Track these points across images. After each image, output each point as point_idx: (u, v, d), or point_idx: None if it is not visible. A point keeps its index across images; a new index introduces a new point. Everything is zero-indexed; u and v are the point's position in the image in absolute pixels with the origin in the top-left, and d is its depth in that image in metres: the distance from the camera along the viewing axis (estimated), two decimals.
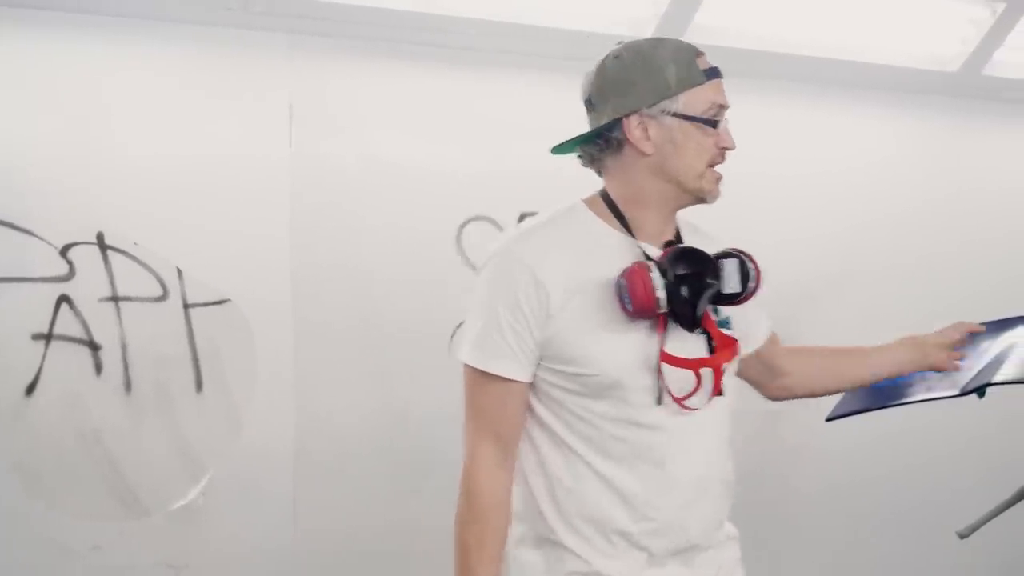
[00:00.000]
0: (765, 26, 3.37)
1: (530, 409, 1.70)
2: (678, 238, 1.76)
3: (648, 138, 1.67)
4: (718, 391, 1.69)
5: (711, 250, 1.70)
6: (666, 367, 1.63)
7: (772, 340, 1.99)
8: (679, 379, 1.65)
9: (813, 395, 2.09)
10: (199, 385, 2.76)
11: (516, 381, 1.65)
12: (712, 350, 1.69)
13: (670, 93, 1.65)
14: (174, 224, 2.76)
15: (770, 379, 2.02)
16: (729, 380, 1.75)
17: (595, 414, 1.65)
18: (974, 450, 3.66)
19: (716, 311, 1.72)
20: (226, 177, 2.81)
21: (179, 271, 2.76)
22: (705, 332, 1.67)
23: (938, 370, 2.10)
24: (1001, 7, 3.59)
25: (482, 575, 1.64)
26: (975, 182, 3.86)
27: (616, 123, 1.69)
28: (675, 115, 1.65)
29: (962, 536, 2.73)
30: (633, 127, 1.67)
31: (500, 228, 3.10)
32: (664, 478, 1.65)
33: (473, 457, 1.66)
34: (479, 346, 1.66)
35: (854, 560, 3.59)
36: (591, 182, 3.14)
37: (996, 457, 3.28)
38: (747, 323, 1.85)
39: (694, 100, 1.66)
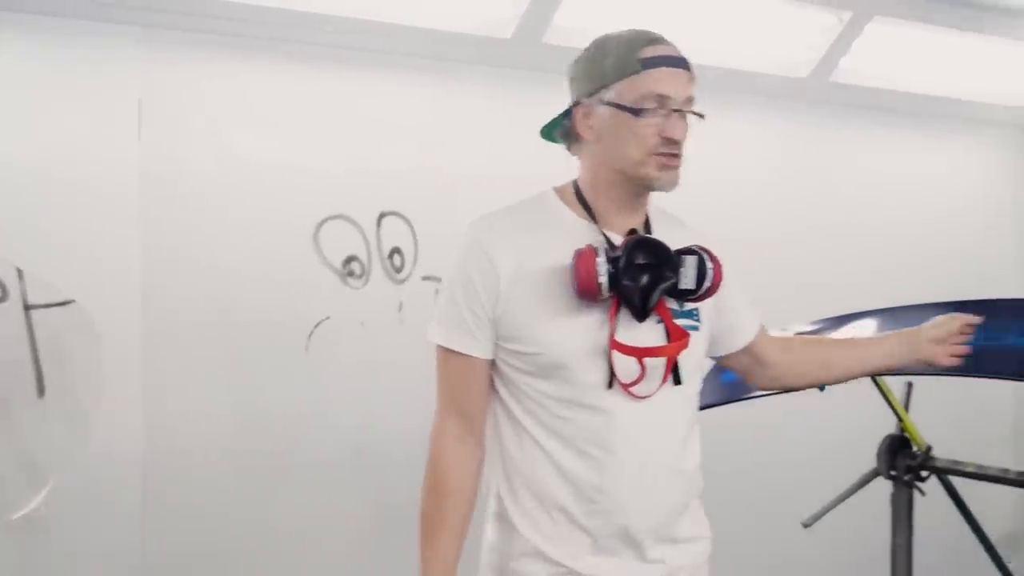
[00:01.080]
0: (623, 28, 3.42)
1: (491, 387, 1.76)
2: (647, 228, 1.78)
3: (590, 127, 1.71)
4: (672, 380, 1.72)
5: (682, 242, 1.73)
6: (615, 356, 1.66)
7: (761, 334, 1.99)
8: (629, 366, 1.68)
9: (804, 386, 2.10)
10: (41, 390, 2.65)
11: (476, 357, 1.72)
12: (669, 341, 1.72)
13: (606, 82, 1.68)
14: (14, 222, 2.64)
15: (759, 371, 2.02)
16: (690, 371, 1.77)
17: (542, 393, 1.69)
18: (816, 442, 3.79)
19: (681, 303, 1.75)
20: (71, 173, 2.71)
21: (19, 271, 2.64)
22: (662, 323, 1.70)
23: (930, 363, 2.00)
24: (847, 15, 3.73)
25: (442, 542, 1.70)
26: (825, 184, 4.00)
27: (569, 113, 1.75)
28: (608, 104, 1.68)
29: (806, 525, 2.83)
30: (579, 117, 1.73)
31: (359, 227, 3.07)
32: (610, 461, 1.68)
33: (438, 431, 1.74)
34: (442, 323, 1.74)
35: None
36: (457, 180, 3.16)
37: (836, 449, 3.39)
38: (733, 319, 1.91)
39: (627, 89, 1.67)
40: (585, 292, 1.64)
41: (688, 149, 1.74)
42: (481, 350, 1.71)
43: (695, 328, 1.77)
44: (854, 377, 2.07)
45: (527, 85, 3.31)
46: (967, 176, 4.42)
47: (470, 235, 1.72)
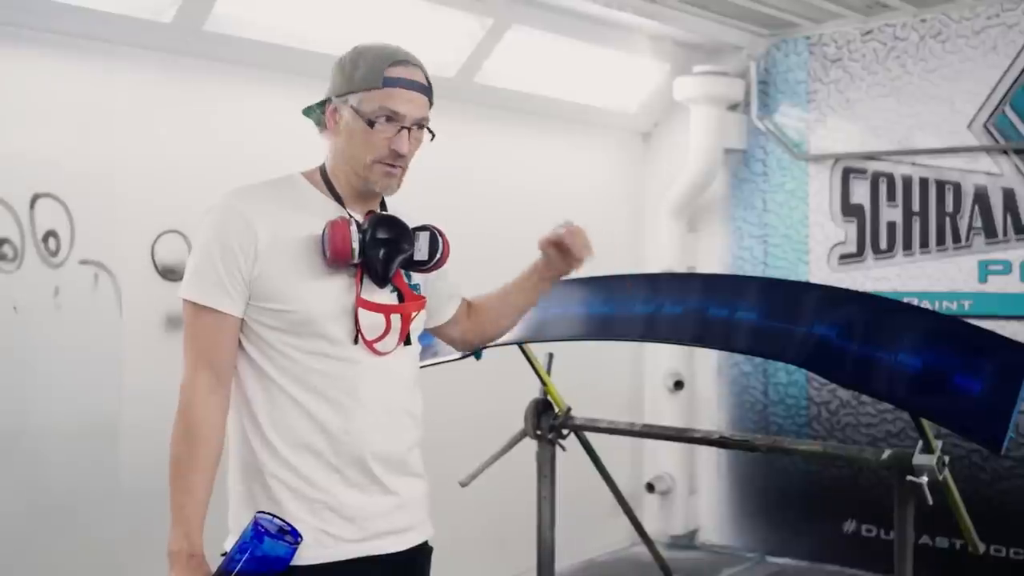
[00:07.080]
0: (284, 20, 3.52)
1: (239, 348, 1.90)
2: (383, 211, 2.00)
3: (336, 122, 1.94)
4: (405, 339, 1.96)
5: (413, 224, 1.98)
6: (361, 314, 1.89)
7: (462, 309, 2.25)
8: (372, 325, 1.91)
9: (489, 340, 2.38)
10: None
11: (228, 315, 1.86)
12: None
13: (352, 89, 1.91)
14: None
15: (458, 339, 2.32)
16: (416, 334, 2.01)
17: (294, 348, 1.88)
18: (471, 408, 4.05)
19: (409, 276, 1.99)
20: None
21: None
22: (396, 290, 1.96)
23: (555, 275, 2.25)
24: (489, 22, 4.06)
25: (195, 483, 1.83)
26: (476, 178, 4.30)
27: (324, 104, 1.96)
28: (352, 108, 1.91)
29: (463, 484, 3.10)
30: (329, 110, 1.95)
31: (10, 208, 2.93)
32: (355, 407, 1.90)
33: (189, 383, 1.87)
34: (194, 282, 1.87)
35: None
36: (117, 164, 3.08)
37: (489, 414, 3.64)
38: (441, 297, 2.16)
39: (368, 100, 1.90)
40: (339, 255, 1.86)
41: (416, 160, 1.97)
42: (234, 307, 1.86)
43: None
44: (515, 316, 2.32)
45: (188, 72, 3.32)
46: (594, 171, 4.95)
47: (227, 204, 1.89)
